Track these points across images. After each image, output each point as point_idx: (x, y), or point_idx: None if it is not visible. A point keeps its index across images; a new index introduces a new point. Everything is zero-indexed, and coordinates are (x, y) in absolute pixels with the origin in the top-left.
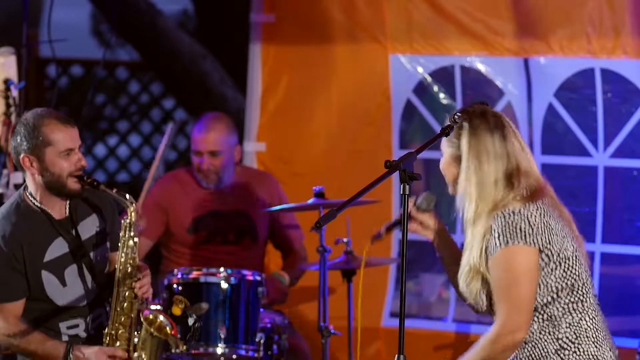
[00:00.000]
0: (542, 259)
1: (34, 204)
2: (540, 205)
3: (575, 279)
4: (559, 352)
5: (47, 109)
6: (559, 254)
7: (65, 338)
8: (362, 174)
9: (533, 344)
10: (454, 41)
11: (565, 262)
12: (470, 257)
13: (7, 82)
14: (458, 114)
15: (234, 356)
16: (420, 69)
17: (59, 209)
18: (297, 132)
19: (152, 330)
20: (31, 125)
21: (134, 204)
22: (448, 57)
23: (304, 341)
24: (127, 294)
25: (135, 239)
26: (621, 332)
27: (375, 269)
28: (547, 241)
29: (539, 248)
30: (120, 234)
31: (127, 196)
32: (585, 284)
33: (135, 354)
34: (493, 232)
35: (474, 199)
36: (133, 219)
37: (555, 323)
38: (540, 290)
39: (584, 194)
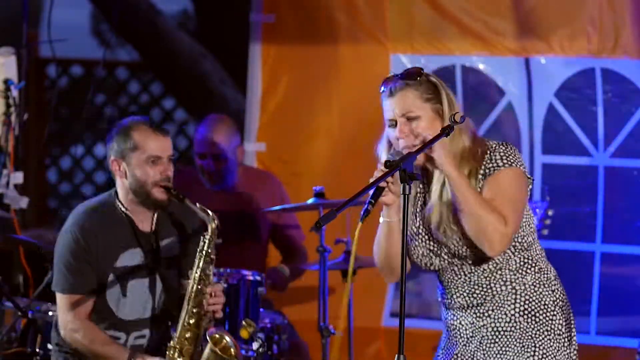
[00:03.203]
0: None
1: (120, 208)
2: None
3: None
4: (557, 303)
5: (146, 118)
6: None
7: None
8: (362, 174)
9: (528, 297)
10: (455, 41)
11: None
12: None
13: (7, 82)
14: (421, 73)
15: None
16: None
17: (144, 221)
18: (297, 132)
19: (216, 350)
20: (124, 130)
21: (215, 221)
22: (449, 57)
23: (304, 341)
24: (196, 310)
25: (212, 256)
26: (621, 332)
27: (375, 269)
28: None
29: (530, 178)
30: (198, 249)
31: (210, 212)
32: None
33: None
34: (493, 158)
35: (461, 144)
36: (213, 236)
37: (547, 276)
38: (524, 229)
39: (584, 194)
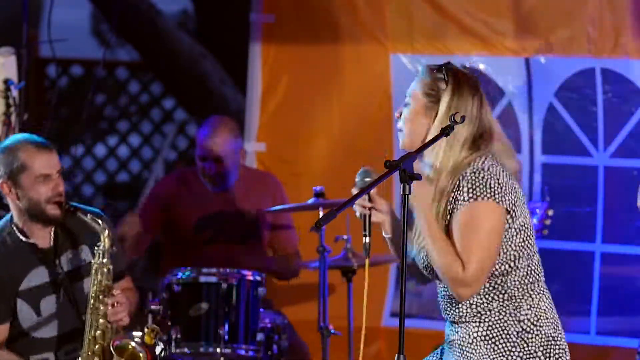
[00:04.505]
0: (507, 221)
1: (16, 232)
2: (506, 168)
3: (532, 252)
4: (521, 335)
5: (27, 134)
6: (519, 220)
7: None
8: None
9: (491, 323)
10: (455, 41)
11: (524, 231)
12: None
13: (7, 82)
14: (442, 66)
15: (234, 356)
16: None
17: (43, 238)
18: (297, 132)
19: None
20: (9, 151)
21: (106, 230)
22: (449, 57)
23: (304, 341)
24: (100, 321)
25: (110, 266)
26: (621, 332)
27: (375, 268)
28: (513, 203)
29: (506, 208)
30: (93, 260)
31: (100, 222)
32: (539, 263)
33: None
34: (462, 188)
35: (439, 157)
36: (106, 246)
37: (517, 304)
38: (499, 257)
39: (584, 194)
